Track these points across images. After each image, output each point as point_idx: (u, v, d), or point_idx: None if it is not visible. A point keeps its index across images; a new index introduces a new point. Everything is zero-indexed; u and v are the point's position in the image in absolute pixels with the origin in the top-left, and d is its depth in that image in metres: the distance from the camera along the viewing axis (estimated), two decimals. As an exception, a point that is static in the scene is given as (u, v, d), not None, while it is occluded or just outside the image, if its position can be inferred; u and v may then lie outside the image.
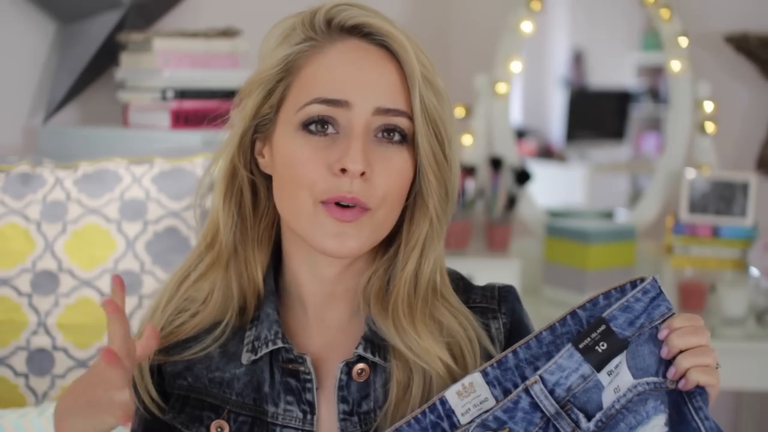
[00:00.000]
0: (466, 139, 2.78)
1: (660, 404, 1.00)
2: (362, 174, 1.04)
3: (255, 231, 1.13)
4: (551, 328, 1.06)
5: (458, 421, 1.03)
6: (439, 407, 1.04)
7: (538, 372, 1.03)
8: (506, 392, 1.04)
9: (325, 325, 1.14)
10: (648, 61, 3.99)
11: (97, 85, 2.27)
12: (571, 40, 4.30)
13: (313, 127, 1.05)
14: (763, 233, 2.65)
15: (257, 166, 1.12)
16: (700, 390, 1.00)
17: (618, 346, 1.02)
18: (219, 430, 1.11)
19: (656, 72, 4.00)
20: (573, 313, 1.06)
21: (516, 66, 2.79)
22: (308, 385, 1.10)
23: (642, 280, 1.05)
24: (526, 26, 2.78)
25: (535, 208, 2.86)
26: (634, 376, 1.01)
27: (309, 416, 1.10)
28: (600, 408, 1.02)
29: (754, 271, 2.48)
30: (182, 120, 2.08)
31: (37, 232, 1.77)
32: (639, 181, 3.85)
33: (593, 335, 1.03)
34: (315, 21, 1.07)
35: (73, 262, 1.76)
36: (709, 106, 2.71)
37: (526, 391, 1.03)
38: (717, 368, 1.02)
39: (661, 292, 1.03)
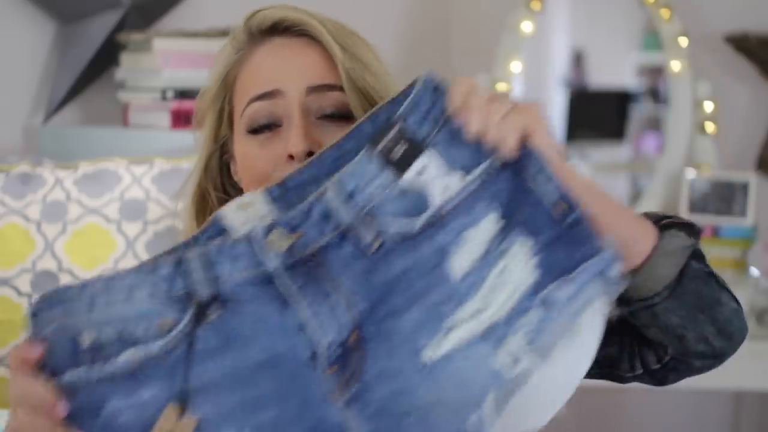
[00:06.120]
0: (466, 139, 2.78)
1: (492, 203, 0.89)
2: (309, 154, 1.02)
3: None
4: (337, 145, 0.95)
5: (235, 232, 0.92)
6: (212, 226, 0.93)
7: (332, 179, 0.89)
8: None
9: None
10: (648, 61, 3.98)
11: (97, 85, 2.26)
12: (571, 40, 4.29)
13: (258, 129, 1.07)
14: (763, 233, 2.65)
15: (233, 187, 1.14)
16: (527, 152, 0.89)
17: (418, 146, 0.89)
18: None
19: (656, 72, 3.99)
20: (358, 127, 0.95)
21: (516, 66, 2.79)
22: None
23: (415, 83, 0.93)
24: (526, 26, 2.78)
25: (535, 208, 2.86)
26: (453, 170, 0.89)
27: None
28: (415, 213, 0.89)
29: (754, 271, 2.48)
30: (182, 120, 2.07)
31: (37, 232, 1.77)
32: (639, 181, 3.84)
33: (388, 137, 0.90)
34: (238, 33, 1.13)
35: (73, 262, 1.76)
36: (709, 106, 2.70)
37: (318, 199, 0.89)
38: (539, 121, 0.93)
39: (439, 84, 0.91)
